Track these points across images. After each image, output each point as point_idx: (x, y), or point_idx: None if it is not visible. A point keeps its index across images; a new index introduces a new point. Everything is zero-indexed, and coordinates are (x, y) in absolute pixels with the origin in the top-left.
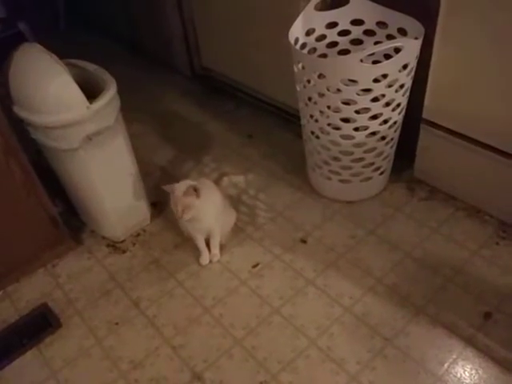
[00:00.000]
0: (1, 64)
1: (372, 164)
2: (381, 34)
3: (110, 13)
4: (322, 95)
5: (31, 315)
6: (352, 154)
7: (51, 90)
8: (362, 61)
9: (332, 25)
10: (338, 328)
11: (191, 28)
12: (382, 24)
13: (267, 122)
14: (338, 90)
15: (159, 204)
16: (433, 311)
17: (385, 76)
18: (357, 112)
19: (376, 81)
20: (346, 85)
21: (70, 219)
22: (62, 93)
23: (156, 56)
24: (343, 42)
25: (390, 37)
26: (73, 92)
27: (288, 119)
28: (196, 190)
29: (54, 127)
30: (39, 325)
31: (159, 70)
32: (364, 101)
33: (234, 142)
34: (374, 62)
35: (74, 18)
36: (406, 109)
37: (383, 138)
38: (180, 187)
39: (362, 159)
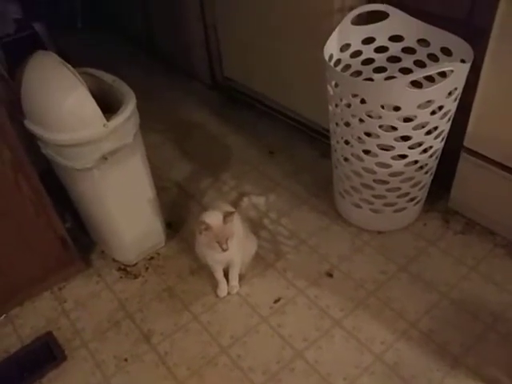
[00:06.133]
0: (15, 68)
1: (408, 194)
2: (421, 52)
3: (128, 13)
4: (358, 119)
5: (34, 345)
6: (387, 183)
7: (66, 105)
8: None
9: (369, 40)
10: (368, 379)
11: (213, 35)
12: (423, 42)
13: (290, 137)
14: (379, 116)
15: (175, 224)
16: (472, 363)
17: (430, 102)
18: (396, 139)
19: (419, 107)
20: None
21: (78, 237)
22: (78, 109)
23: (175, 62)
24: (380, 59)
25: (431, 56)
26: (89, 108)
27: (313, 136)
28: (231, 214)
29: (67, 145)
30: (42, 356)
31: (177, 76)
32: (406, 128)
33: (254, 158)
34: (413, 84)
35: (92, 17)
36: (447, 135)
37: (422, 166)
38: (214, 217)
39: (397, 189)
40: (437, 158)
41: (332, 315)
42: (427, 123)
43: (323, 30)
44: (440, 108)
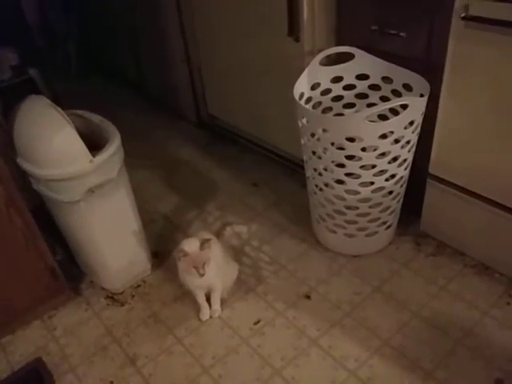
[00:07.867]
0: (10, 112)
1: (378, 219)
2: (386, 88)
3: (120, 58)
4: (326, 150)
5: (24, 371)
6: (357, 208)
7: (54, 143)
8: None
9: (337, 79)
10: None
11: (198, 77)
12: (387, 79)
13: (272, 170)
14: (343, 147)
15: (161, 254)
16: (442, 376)
17: (390, 133)
18: (362, 168)
19: (381, 137)
20: (352, 139)
21: (69, 268)
22: (65, 146)
23: (163, 103)
24: (348, 96)
25: (395, 92)
26: (76, 146)
27: (294, 169)
28: (208, 241)
29: (55, 180)
30: (32, 381)
31: (166, 116)
32: (369, 157)
33: (238, 191)
34: (380, 116)
35: (85, 62)
36: (413, 163)
37: (389, 193)
38: (192, 244)
39: (367, 214)
40: (403, 184)
41: (309, 335)
42: (389, 152)
43: (296, 70)
44: (401, 138)
